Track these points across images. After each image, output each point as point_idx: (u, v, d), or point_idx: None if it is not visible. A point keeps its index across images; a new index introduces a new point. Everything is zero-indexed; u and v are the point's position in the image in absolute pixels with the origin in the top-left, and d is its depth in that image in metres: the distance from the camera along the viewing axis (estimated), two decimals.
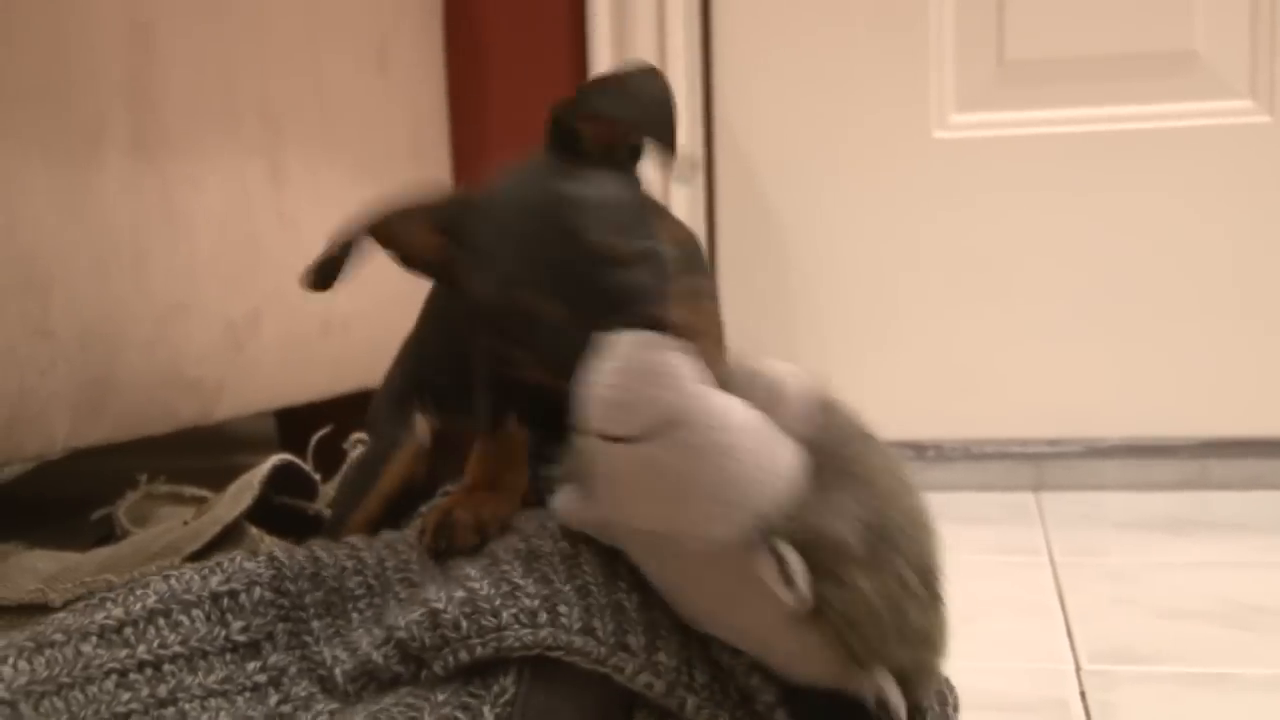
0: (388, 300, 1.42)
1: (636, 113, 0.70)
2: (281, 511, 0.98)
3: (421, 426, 0.85)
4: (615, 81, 0.72)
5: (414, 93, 1.68)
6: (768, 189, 1.84)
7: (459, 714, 0.62)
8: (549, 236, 0.66)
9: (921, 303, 1.77)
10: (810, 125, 1.82)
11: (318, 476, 1.04)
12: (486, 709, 0.63)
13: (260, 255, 1.29)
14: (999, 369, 1.78)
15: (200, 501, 1.05)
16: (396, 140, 1.63)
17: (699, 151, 1.83)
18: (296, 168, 1.36)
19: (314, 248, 1.39)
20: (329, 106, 1.44)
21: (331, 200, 1.43)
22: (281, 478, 1.00)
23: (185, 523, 0.95)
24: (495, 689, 0.63)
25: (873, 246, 1.78)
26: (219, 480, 1.03)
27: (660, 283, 0.67)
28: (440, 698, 0.62)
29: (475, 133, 1.83)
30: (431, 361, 0.87)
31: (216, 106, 1.24)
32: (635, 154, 0.72)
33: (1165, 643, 1.05)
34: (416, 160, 1.67)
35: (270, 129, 1.32)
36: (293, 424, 1.54)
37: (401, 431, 0.84)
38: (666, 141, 0.69)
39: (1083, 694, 0.93)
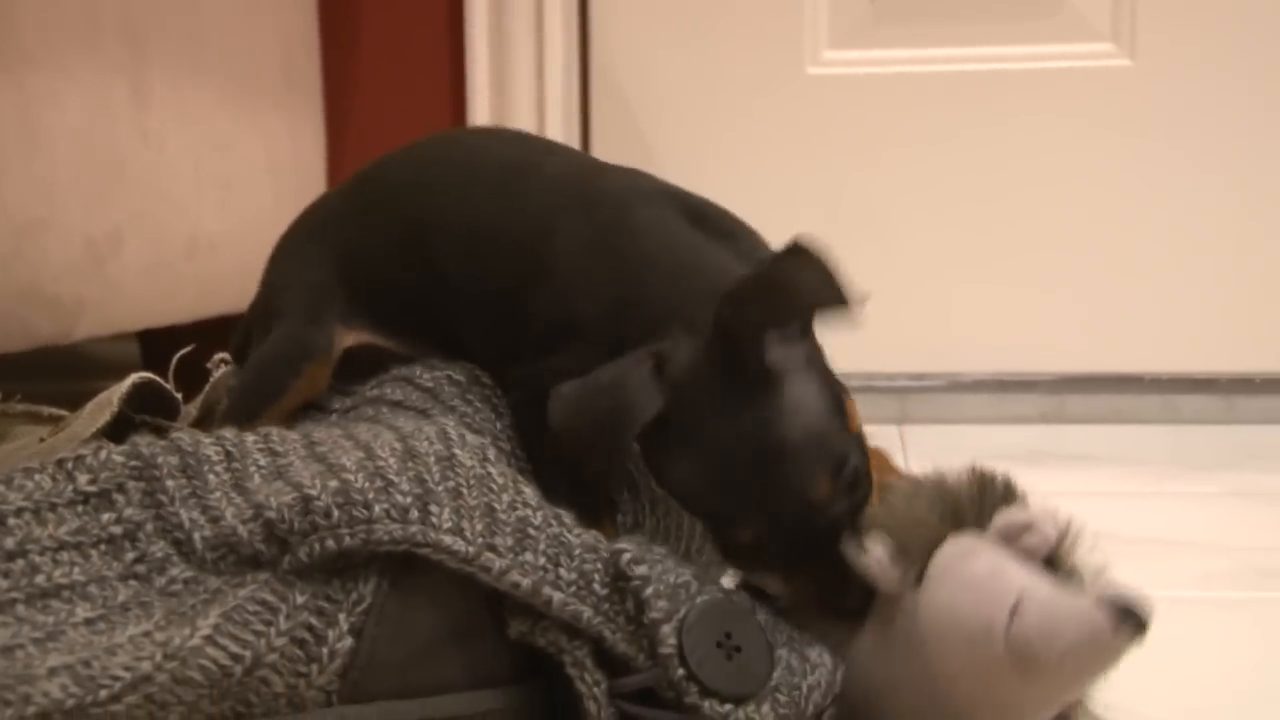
0: (256, 223, 1.41)
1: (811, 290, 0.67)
2: (142, 430, 0.97)
3: (341, 339, 0.82)
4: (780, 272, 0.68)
5: (285, 18, 1.66)
6: (644, 128, 1.85)
7: (314, 620, 0.62)
8: (766, 486, 0.65)
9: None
10: (685, 62, 1.83)
11: (179, 396, 1.03)
12: (342, 616, 0.63)
13: (123, 174, 1.27)
14: (866, 305, 1.80)
15: (57, 420, 1.03)
16: (267, 64, 1.61)
17: (576, 94, 1.83)
18: (161, 87, 1.33)
19: (180, 168, 1.38)
20: (196, 27, 1.42)
21: (199, 121, 1.41)
22: (142, 397, 0.99)
23: (41, 440, 0.93)
24: (354, 596, 0.63)
25: (747, 184, 1.79)
26: (78, 403, 1.02)
27: (859, 499, 0.67)
28: (298, 599, 0.62)
29: (347, 60, 1.81)
30: (372, 271, 0.82)
31: (77, 22, 1.22)
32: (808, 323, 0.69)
33: None
34: (288, 85, 1.65)
35: (133, 47, 1.29)
36: (157, 348, 1.52)
37: (318, 340, 0.81)
38: (842, 304, 0.67)
39: None
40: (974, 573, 0.65)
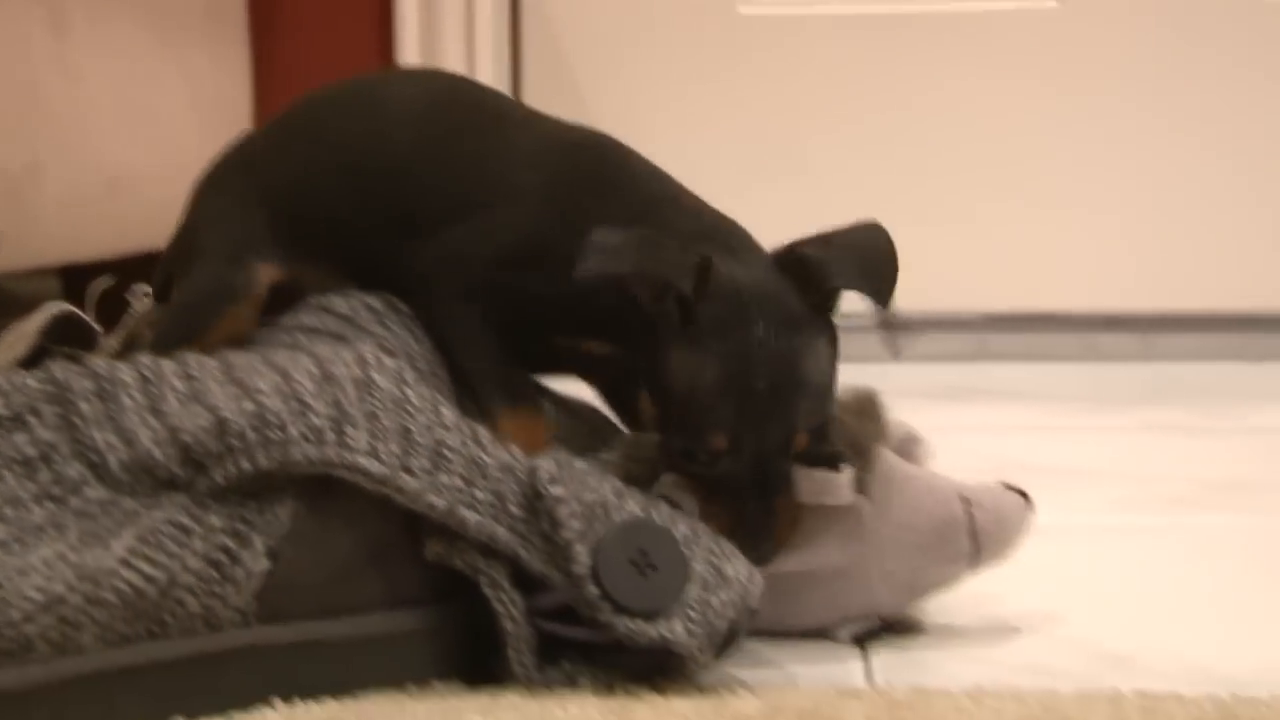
0: (180, 159, 1.39)
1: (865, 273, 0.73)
2: (59, 361, 0.97)
3: (265, 276, 0.81)
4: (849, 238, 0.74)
5: None
6: (574, 66, 1.84)
7: (230, 542, 0.63)
8: (770, 406, 0.69)
9: (721, 180, 1.78)
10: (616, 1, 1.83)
11: (99, 329, 1.02)
12: (258, 538, 0.63)
13: (41, 106, 1.25)
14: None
15: None
16: None
17: (506, 32, 1.82)
18: (80, 18, 1.32)
19: (100, 101, 1.36)
20: None
21: (119, 54, 1.39)
22: (61, 329, 0.98)
23: None
24: (269, 518, 0.64)
25: (679, 121, 1.79)
26: None
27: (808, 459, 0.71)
28: (214, 522, 0.62)
29: None
30: (299, 207, 0.82)
31: None
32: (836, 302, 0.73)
33: None
34: (211, 20, 1.63)
35: None
36: (78, 285, 1.50)
37: (239, 280, 0.80)
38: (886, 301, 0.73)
39: None
40: (919, 480, 0.75)
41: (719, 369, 0.69)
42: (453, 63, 1.75)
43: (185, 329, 0.80)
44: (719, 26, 1.81)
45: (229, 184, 0.86)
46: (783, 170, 1.80)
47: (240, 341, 0.79)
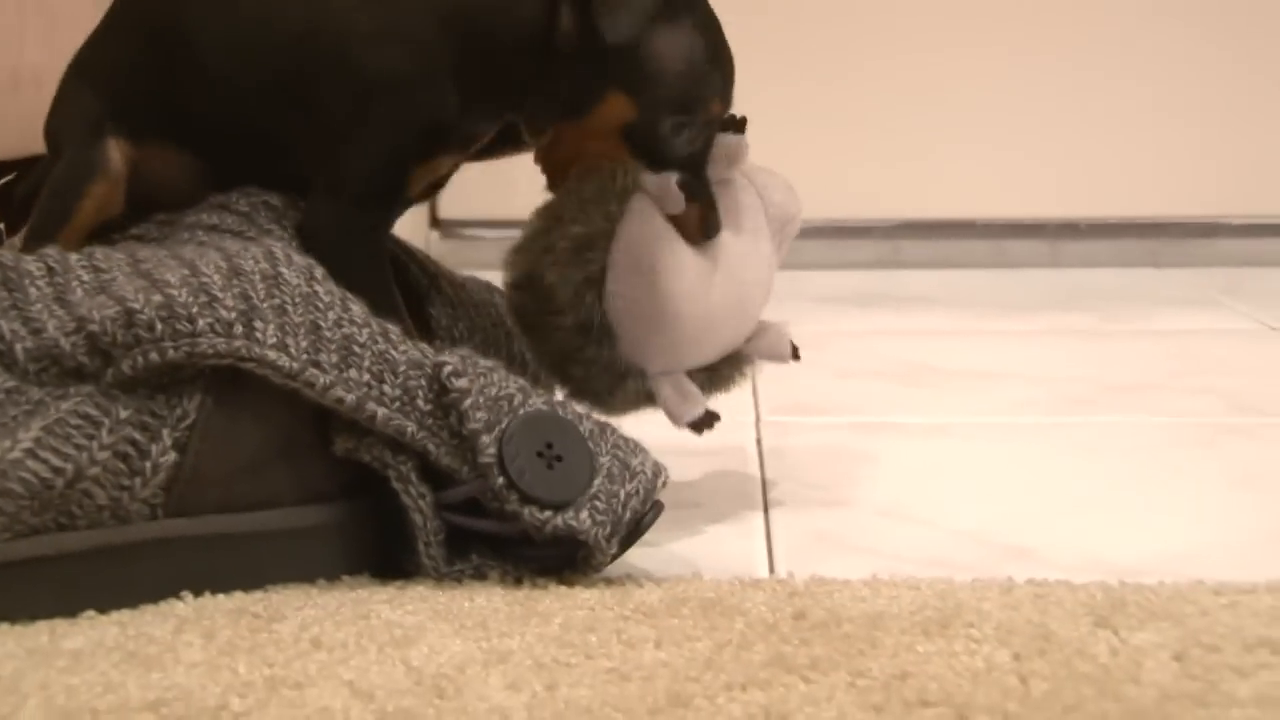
0: None
1: None
2: None
3: (120, 153, 0.80)
4: None
5: None
6: None
7: (137, 434, 0.63)
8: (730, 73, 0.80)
9: None
10: None
11: (2, 226, 1.01)
12: (166, 431, 0.64)
13: None
14: None
15: None
16: None
17: None
18: None
19: None
20: None
21: None
22: None
23: None
24: (177, 412, 0.64)
25: None
26: None
27: None
28: (121, 414, 0.62)
29: None
30: (132, 79, 0.82)
31: None
32: None
33: (840, 397, 1.13)
34: None
35: None
36: None
37: (96, 158, 0.79)
38: None
39: (758, 440, 0.99)
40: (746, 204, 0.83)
41: (704, 41, 0.77)
42: None
43: (55, 215, 0.80)
44: None
45: (78, 75, 0.86)
46: None
47: (119, 229, 0.79)
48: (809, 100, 1.81)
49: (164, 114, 0.80)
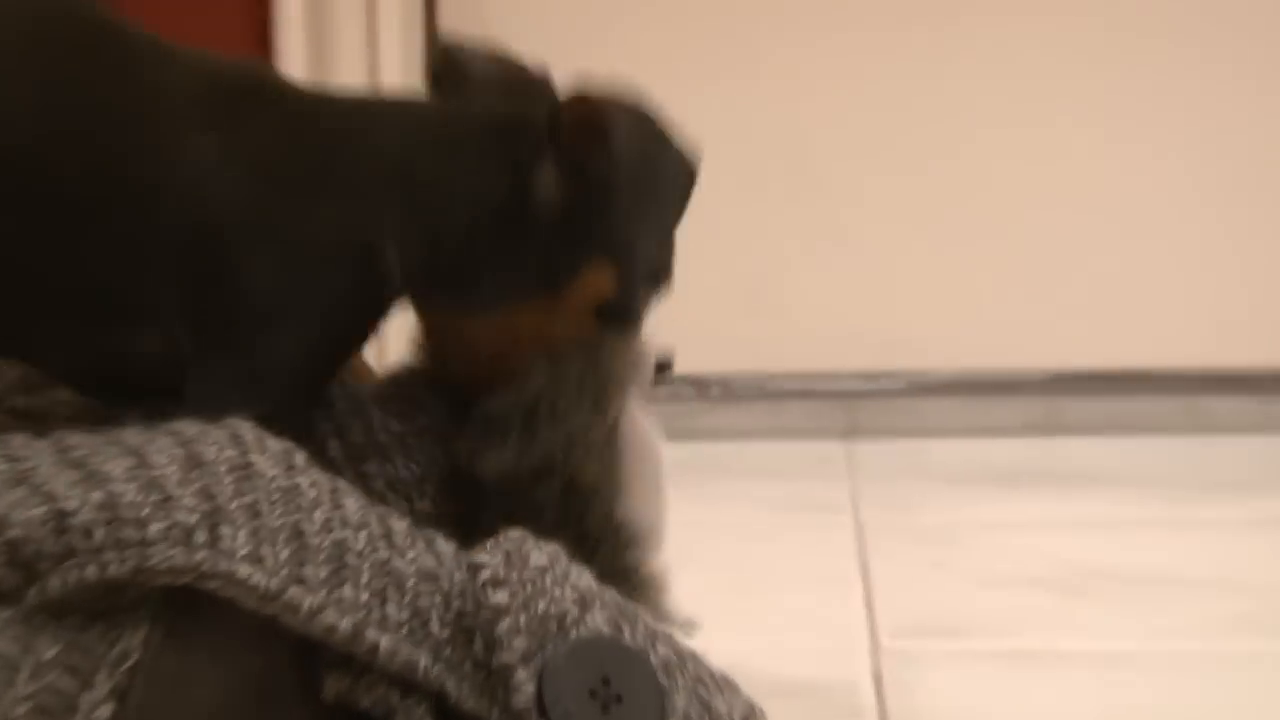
0: None
1: None
2: None
3: None
4: None
5: None
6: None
7: (64, 681, 0.63)
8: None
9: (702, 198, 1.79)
10: None
11: None
12: (102, 676, 0.63)
13: None
14: (799, 284, 1.84)
15: None
16: None
17: None
18: None
19: None
20: None
21: None
22: None
23: None
24: (118, 649, 0.63)
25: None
26: None
27: None
28: (45, 653, 0.62)
29: None
30: None
31: None
32: None
33: (982, 614, 1.14)
34: None
35: None
36: None
37: None
38: None
39: (877, 674, 1.00)
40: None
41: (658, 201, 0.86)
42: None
43: None
44: None
45: None
46: (781, 177, 1.82)
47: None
48: (935, 213, 1.83)
49: None
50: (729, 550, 1.31)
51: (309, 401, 0.83)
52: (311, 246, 0.80)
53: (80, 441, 0.71)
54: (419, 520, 0.76)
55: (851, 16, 1.84)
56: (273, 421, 0.73)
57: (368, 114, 0.84)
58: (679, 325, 1.74)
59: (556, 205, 0.81)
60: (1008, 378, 1.84)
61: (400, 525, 0.70)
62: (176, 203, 0.78)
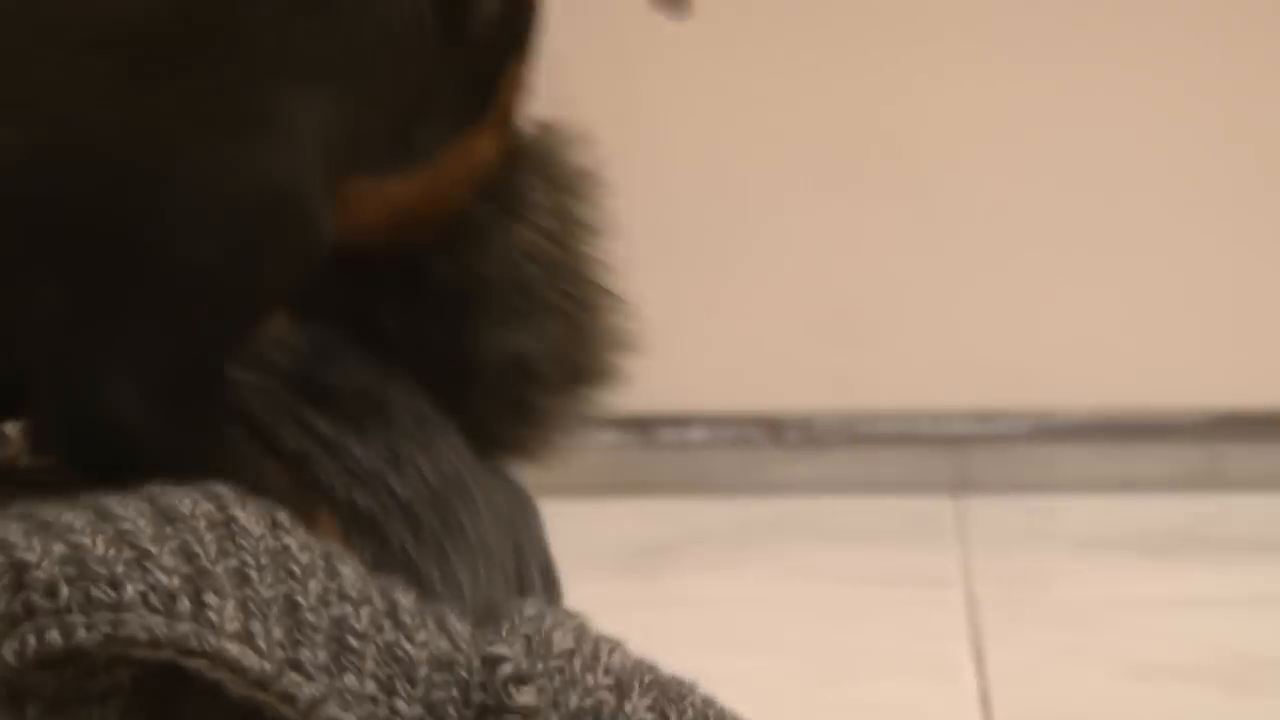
0: None
1: None
2: None
3: None
4: None
5: None
6: None
7: None
8: None
9: (777, 198, 1.78)
10: None
11: None
12: None
13: None
14: (898, 304, 1.85)
15: None
16: None
17: None
18: None
19: None
20: None
21: None
22: None
23: None
24: None
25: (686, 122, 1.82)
26: None
27: None
28: None
29: None
30: None
31: None
32: None
33: (1125, 714, 1.13)
34: None
35: None
36: None
37: None
38: None
39: None
40: None
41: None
42: None
43: None
44: None
45: None
46: (862, 190, 1.82)
47: None
48: (1068, 228, 1.83)
49: None
50: (812, 633, 1.32)
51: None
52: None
53: (16, 494, 0.72)
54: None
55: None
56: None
57: None
58: (748, 353, 1.78)
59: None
60: (1157, 420, 1.84)
61: (406, 600, 0.70)
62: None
